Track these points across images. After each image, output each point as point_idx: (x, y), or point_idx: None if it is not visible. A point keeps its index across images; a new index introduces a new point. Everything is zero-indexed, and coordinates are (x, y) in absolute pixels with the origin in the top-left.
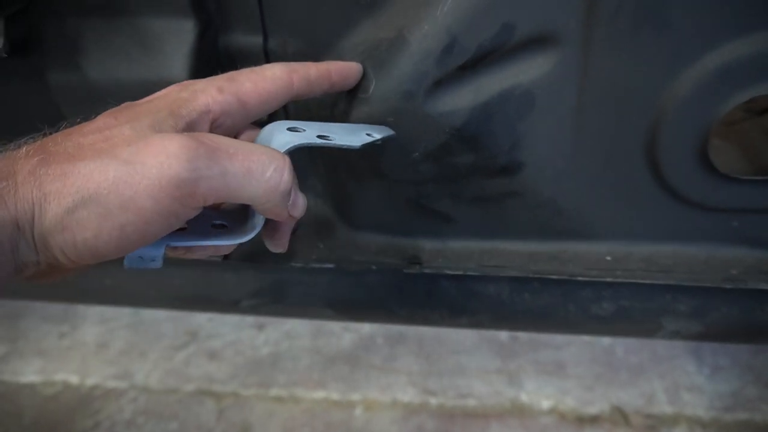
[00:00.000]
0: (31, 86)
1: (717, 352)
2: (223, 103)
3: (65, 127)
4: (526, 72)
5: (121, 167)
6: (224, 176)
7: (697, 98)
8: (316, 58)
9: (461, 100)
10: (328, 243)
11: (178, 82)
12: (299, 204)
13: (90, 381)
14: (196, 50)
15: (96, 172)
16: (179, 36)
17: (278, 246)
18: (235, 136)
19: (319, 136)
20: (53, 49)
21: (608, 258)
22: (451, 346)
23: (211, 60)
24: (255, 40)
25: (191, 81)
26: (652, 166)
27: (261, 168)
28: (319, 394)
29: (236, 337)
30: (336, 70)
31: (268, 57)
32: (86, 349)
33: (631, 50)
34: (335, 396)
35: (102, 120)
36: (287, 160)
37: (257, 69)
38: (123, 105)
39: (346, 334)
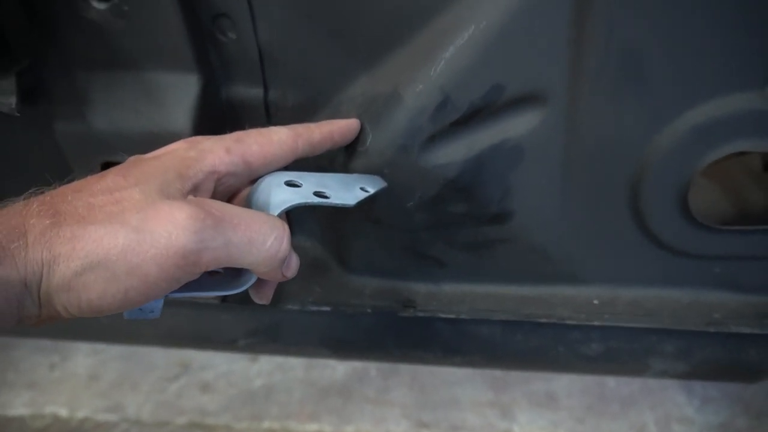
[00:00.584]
0: (37, 135)
1: (707, 384)
2: (229, 164)
3: (73, 180)
4: (515, 127)
5: (130, 234)
6: (227, 246)
7: (676, 153)
8: (314, 110)
9: (454, 153)
10: (324, 285)
11: (182, 133)
12: (293, 265)
13: (80, 414)
14: (199, 103)
15: (106, 237)
16: (183, 89)
17: (263, 299)
18: (236, 193)
19: (316, 193)
20: (60, 99)
21: (596, 302)
22: (444, 378)
23: (213, 111)
24: (256, 92)
25: (199, 138)
26: (636, 215)
27: (262, 238)
28: (312, 427)
29: (229, 368)
30: (338, 131)
31: (268, 108)
32: (77, 381)
33: (613, 108)
34: (328, 429)
35: (111, 179)
36: (286, 229)
37: (264, 132)
38: (131, 160)
39: (339, 366)
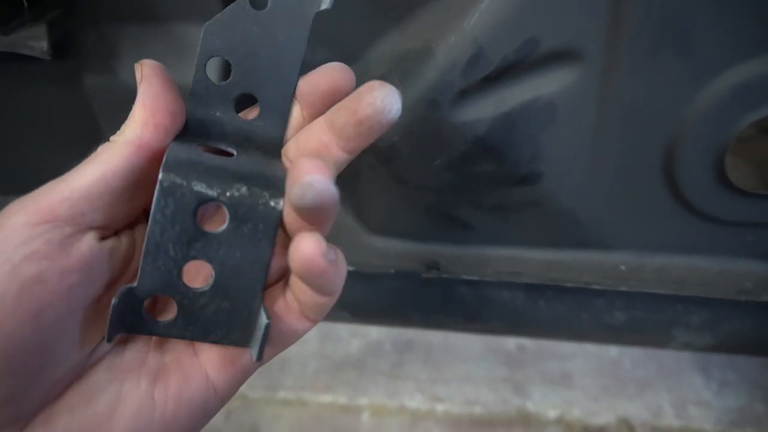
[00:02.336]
0: (67, 89)
1: (725, 368)
2: None
3: None
4: (548, 85)
5: None
6: None
7: (714, 115)
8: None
9: (484, 110)
10: (347, 245)
11: None
12: None
13: None
14: None
15: None
16: None
17: None
18: None
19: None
20: (89, 53)
21: (623, 267)
22: (458, 355)
23: None
24: None
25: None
26: (669, 180)
27: None
28: (327, 399)
29: None
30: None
31: None
32: None
33: (651, 68)
34: (342, 400)
35: None
36: None
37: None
38: None
39: (353, 339)
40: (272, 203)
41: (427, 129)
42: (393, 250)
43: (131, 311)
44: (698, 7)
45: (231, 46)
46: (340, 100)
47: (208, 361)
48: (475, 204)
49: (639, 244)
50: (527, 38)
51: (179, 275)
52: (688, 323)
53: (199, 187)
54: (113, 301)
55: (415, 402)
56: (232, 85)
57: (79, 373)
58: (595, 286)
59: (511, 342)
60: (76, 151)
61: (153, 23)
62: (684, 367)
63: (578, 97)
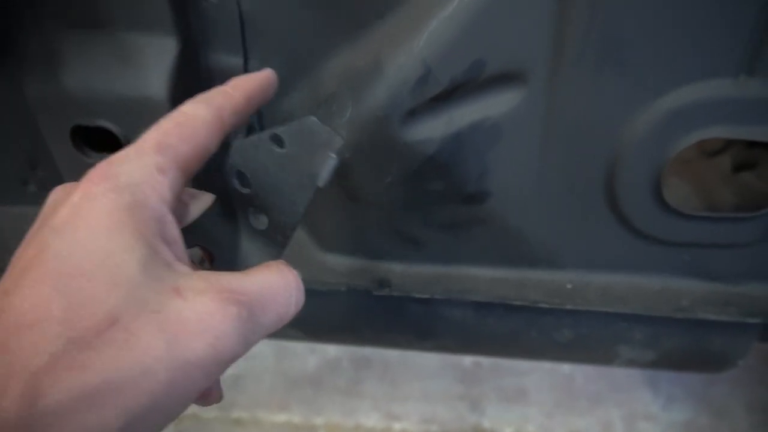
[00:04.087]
0: (5, 92)
1: (673, 383)
2: (172, 186)
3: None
4: (495, 106)
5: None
6: (260, 336)
7: (652, 137)
8: (294, 81)
9: (434, 129)
10: (298, 263)
11: (157, 98)
12: None
13: None
14: (176, 68)
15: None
16: (160, 53)
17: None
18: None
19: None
20: (31, 59)
21: (569, 286)
22: (415, 371)
23: (191, 78)
24: (236, 61)
25: (103, 170)
26: (610, 199)
27: (286, 308)
28: (281, 417)
29: None
30: (256, 87)
31: None
32: None
33: (592, 90)
34: (297, 419)
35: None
36: (295, 274)
37: (182, 120)
38: (60, 255)
39: (311, 356)
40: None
41: (378, 147)
42: (345, 267)
43: None
44: (637, 33)
45: (251, 168)
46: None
47: None
48: (426, 222)
49: (584, 262)
50: (474, 60)
51: None
52: (631, 340)
53: None
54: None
55: (372, 420)
56: (250, 196)
57: None
58: (543, 305)
59: (467, 358)
60: (13, 155)
61: (98, 30)
62: (634, 382)
63: (524, 118)
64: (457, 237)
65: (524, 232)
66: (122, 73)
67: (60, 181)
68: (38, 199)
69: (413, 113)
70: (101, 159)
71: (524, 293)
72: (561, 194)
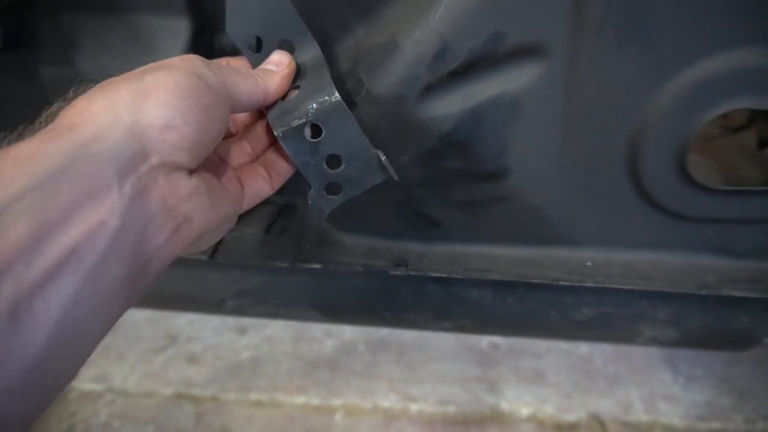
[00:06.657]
0: (22, 80)
1: (692, 363)
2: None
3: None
4: (514, 80)
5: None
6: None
7: (676, 111)
8: None
9: (451, 105)
10: (314, 243)
11: None
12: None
13: None
14: (190, 49)
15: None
16: (174, 35)
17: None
18: None
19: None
20: (47, 44)
21: (589, 264)
22: (432, 354)
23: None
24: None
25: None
26: (633, 175)
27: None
28: (300, 399)
29: (217, 340)
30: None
31: None
32: None
33: (615, 64)
34: (315, 401)
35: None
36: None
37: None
38: None
39: (327, 339)
40: (333, 98)
41: (395, 124)
42: (362, 248)
43: None
44: (660, 2)
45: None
46: None
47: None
48: (443, 200)
49: (605, 240)
50: (493, 32)
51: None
52: (653, 318)
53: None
54: None
55: (389, 402)
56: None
57: None
58: (563, 283)
59: (484, 340)
60: None
61: (113, 13)
62: (653, 362)
63: (544, 93)
64: (476, 215)
65: (544, 210)
66: (137, 55)
67: None
68: None
69: (430, 89)
70: None
71: (544, 271)
72: (582, 171)
